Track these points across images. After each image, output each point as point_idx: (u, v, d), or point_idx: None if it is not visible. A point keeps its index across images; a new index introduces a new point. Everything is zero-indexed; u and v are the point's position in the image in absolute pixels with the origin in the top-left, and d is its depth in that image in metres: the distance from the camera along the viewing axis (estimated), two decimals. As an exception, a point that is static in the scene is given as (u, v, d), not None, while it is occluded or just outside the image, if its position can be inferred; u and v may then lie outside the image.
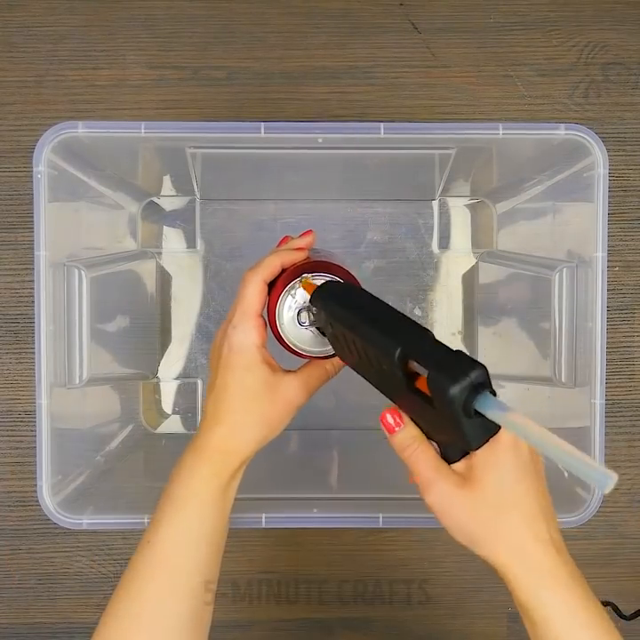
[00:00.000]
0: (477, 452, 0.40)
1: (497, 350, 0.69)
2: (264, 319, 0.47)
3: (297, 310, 0.46)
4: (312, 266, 0.47)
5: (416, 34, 0.70)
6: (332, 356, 0.47)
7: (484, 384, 0.36)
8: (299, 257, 0.48)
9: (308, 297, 0.46)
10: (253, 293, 0.46)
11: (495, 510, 0.40)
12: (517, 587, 0.40)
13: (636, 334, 0.71)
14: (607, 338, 0.51)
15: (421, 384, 0.39)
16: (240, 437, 0.46)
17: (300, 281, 0.46)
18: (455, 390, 0.36)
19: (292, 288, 0.46)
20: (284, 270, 0.47)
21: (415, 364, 0.38)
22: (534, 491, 0.40)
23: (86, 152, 0.54)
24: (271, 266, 0.46)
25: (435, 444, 0.42)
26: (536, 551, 0.40)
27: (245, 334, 0.45)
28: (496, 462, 0.39)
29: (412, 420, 0.43)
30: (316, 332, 0.47)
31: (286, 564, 0.71)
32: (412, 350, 0.38)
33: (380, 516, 0.52)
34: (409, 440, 0.42)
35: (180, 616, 0.44)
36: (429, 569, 0.72)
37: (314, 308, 0.46)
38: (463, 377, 0.36)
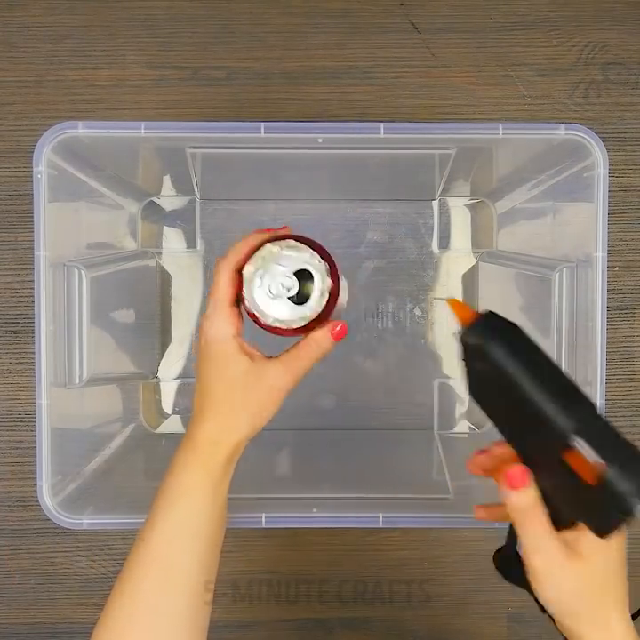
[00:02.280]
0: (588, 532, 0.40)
1: (497, 350, 0.68)
2: (238, 308, 0.46)
3: (268, 282, 0.44)
4: (278, 237, 0.45)
5: (416, 34, 0.70)
6: (316, 323, 0.45)
7: None
8: (266, 237, 0.46)
9: (285, 262, 0.44)
10: (225, 282, 0.45)
11: (599, 589, 0.42)
12: None
13: (636, 334, 0.71)
14: (607, 338, 0.51)
15: (574, 459, 0.37)
16: (226, 429, 0.45)
17: (267, 249, 0.44)
18: (636, 502, 0.36)
19: (258, 260, 0.44)
20: None
21: (582, 442, 0.37)
22: (624, 577, 0.43)
23: (86, 152, 0.54)
24: (240, 251, 0.45)
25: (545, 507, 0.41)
26: (620, 627, 0.42)
27: (219, 325, 0.45)
28: (608, 545, 0.41)
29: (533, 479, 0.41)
30: (293, 299, 0.44)
31: (286, 564, 0.71)
32: (588, 434, 0.37)
33: (380, 515, 0.52)
34: (530, 502, 0.41)
35: (175, 615, 0.43)
36: (429, 569, 0.72)
37: (465, 340, 0.39)
38: None
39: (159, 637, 0.43)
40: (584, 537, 0.41)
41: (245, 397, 0.45)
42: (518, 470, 0.41)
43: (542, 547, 0.41)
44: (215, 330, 0.45)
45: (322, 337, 0.46)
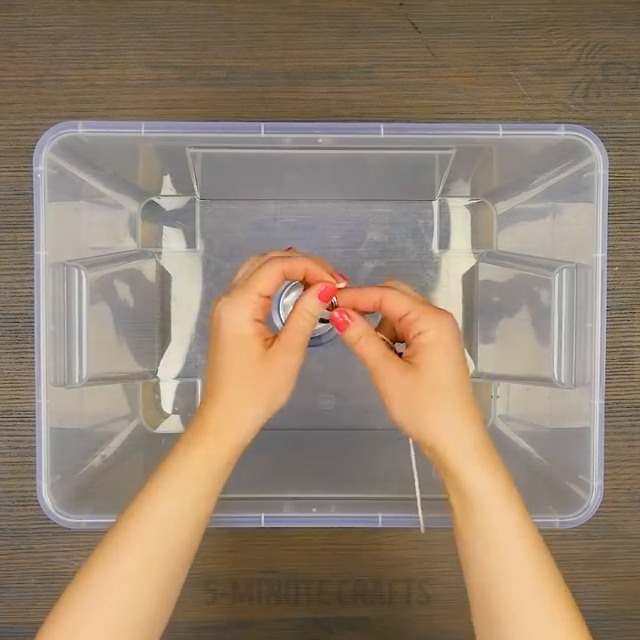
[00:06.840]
0: (423, 341, 0.45)
1: (497, 350, 0.69)
2: (267, 298, 0.46)
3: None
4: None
5: (416, 34, 0.70)
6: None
7: None
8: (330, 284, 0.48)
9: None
10: (267, 274, 0.46)
11: (432, 391, 0.44)
12: (447, 458, 0.44)
13: (636, 334, 0.71)
14: (607, 338, 0.51)
15: None
16: (237, 415, 0.45)
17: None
18: None
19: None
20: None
21: None
22: (467, 384, 0.45)
23: (86, 152, 0.54)
24: (298, 267, 0.47)
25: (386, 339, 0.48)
26: (466, 428, 0.44)
27: (239, 306, 0.45)
28: (439, 354, 0.44)
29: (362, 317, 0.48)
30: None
31: (286, 564, 0.71)
32: None
33: (380, 515, 0.52)
34: (359, 333, 0.47)
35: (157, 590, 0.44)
36: (429, 569, 0.72)
37: None
38: None
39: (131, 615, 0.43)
40: (416, 348, 0.45)
41: (259, 382, 0.45)
42: (337, 312, 0.47)
43: (378, 366, 0.46)
44: (234, 311, 0.45)
45: (308, 300, 0.47)
